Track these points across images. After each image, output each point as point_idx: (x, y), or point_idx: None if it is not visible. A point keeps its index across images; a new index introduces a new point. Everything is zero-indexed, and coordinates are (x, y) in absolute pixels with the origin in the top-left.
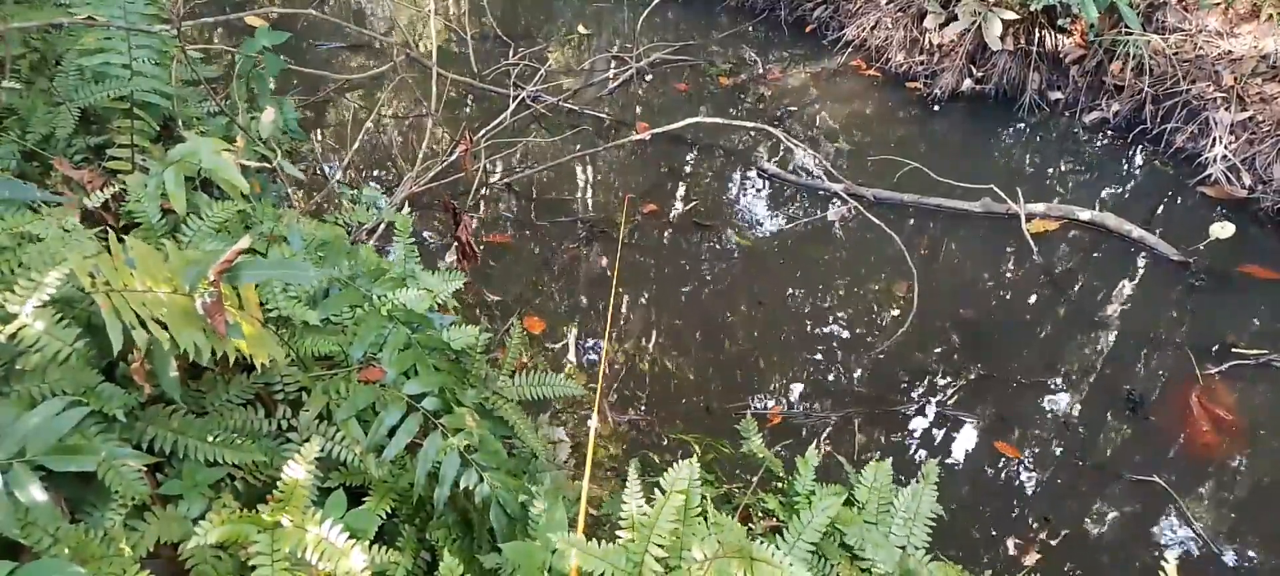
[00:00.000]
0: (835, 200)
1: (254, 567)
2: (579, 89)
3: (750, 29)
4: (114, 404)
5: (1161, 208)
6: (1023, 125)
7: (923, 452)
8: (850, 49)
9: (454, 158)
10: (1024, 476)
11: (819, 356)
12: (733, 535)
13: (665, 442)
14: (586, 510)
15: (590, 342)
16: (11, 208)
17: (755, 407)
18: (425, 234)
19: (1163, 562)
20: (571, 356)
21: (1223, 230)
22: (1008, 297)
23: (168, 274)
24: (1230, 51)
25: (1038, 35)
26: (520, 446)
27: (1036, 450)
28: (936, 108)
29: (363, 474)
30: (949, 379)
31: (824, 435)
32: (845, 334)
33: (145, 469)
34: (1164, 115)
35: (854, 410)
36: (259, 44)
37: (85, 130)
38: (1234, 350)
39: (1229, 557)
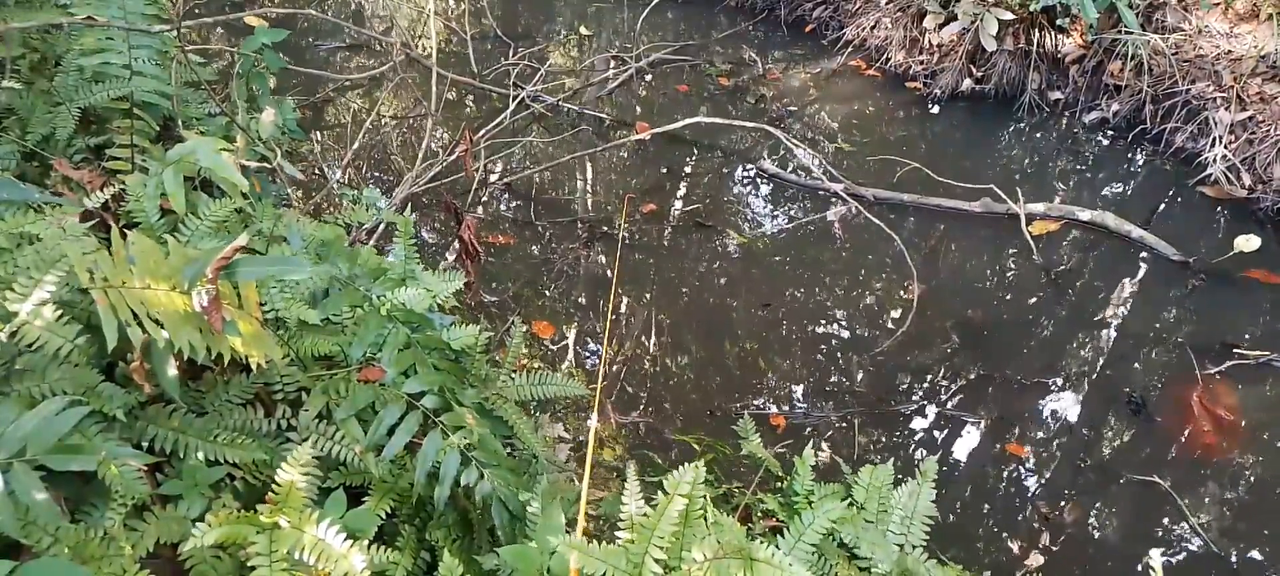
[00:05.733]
0: (835, 200)
1: (253, 568)
2: (579, 89)
3: (750, 29)
4: (114, 403)
5: (1161, 208)
6: (1023, 125)
7: (923, 453)
8: (850, 49)
9: (454, 158)
10: (1024, 476)
11: (819, 357)
12: (732, 535)
13: (666, 442)
14: (586, 510)
15: (590, 343)
16: (11, 208)
17: (755, 408)
18: (425, 234)
19: (1148, 560)
20: (571, 356)
21: (1248, 243)
22: (1008, 298)
23: (167, 271)
24: (1230, 51)
25: (1037, 35)
26: (520, 446)
27: (1037, 450)
28: (936, 108)
29: (363, 473)
30: (949, 379)
31: (825, 435)
32: (845, 334)
33: (145, 468)
34: (1164, 115)
35: (854, 411)
36: (258, 42)
37: (85, 130)
38: (1235, 350)
39: (1230, 558)
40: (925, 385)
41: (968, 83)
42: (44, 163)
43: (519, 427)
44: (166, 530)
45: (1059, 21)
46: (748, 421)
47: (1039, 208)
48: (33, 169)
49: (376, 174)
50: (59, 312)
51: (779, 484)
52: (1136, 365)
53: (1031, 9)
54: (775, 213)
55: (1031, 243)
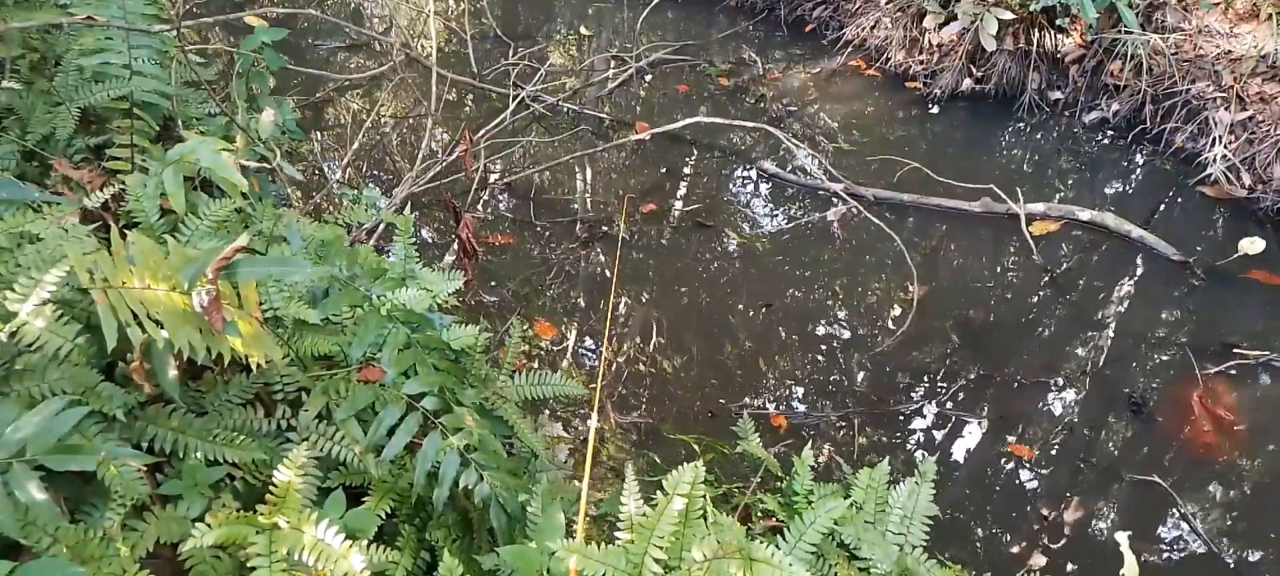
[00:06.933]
0: (835, 200)
1: (253, 568)
2: (579, 89)
3: (750, 29)
4: (114, 403)
5: (1161, 208)
6: (1022, 125)
7: (923, 453)
8: (850, 49)
9: (454, 158)
10: (1024, 477)
11: (819, 357)
12: (732, 535)
13: (666, 442)
14: (586, 510)
15: (590, 343)
16: (11, 207)
17: (755, 408)
18: (425, 234)
19: (1118, 540)
20: (571, 357)
21: (1252, 245)
22: (1008, 297)
23: (167, 271)
24: (1230, 51)
25: (1037, 35)
26: (520, 446)
27: (1037, 451)
28: (936, 108)
29: (362, 473)
30: (949, 379)
31: (825, 435)
32: (845, 334)
33: (145, 468)
34: (1164, 115)
35: (854, 411)
36: (258, 41)
37: (85, 130)
38: (1235, 350)
39: (1229, 558)
40: (925, 385)
41: (968, 83)
42: (44, 163)
43: (519, 428)
44: (166, 530)
45: (1059, 21)
46: (747, 421)
47: (1039, 208)
48: (33, 169)
49: (376, 174)
50: (59, 313)
51: (779, 484)
52: (1136, 365)
53: (1031, 9)
54: (775, 213)
55: (1031, 243)
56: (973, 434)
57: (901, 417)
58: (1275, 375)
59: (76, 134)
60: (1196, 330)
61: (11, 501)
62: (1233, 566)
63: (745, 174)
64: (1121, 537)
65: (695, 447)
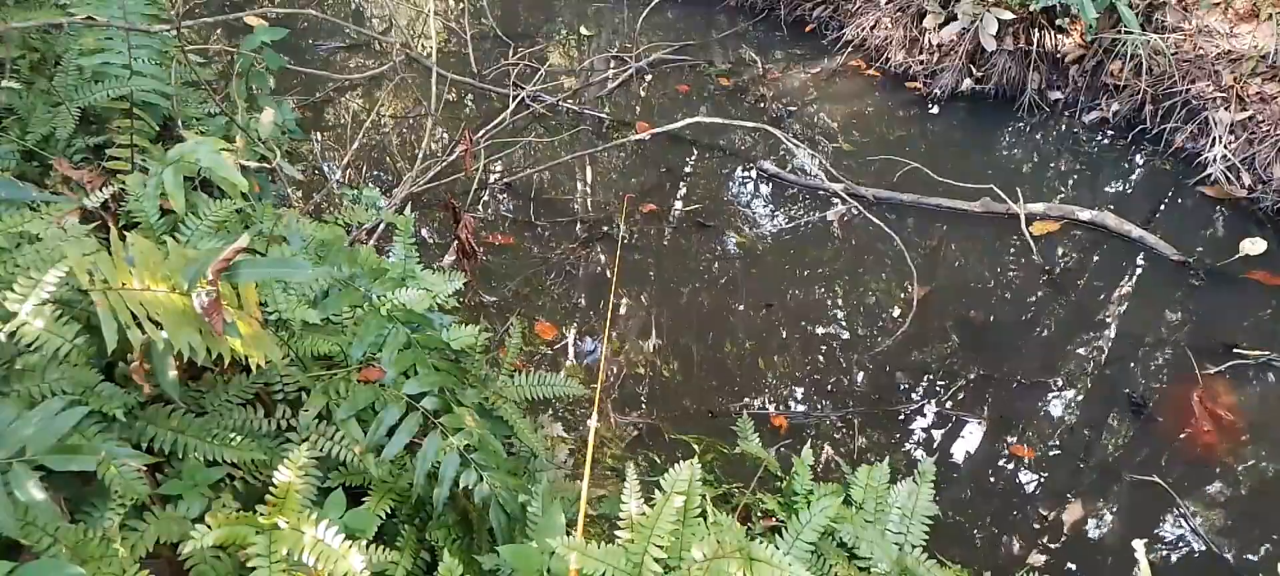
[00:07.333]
0: (835, 200)
1: (253, 569)
2: (579, 89)
3: (750, 29)
4: (114, 403)
5: (1161, 207)
6: (1022, 125)
7: (924, 453)
8: (850, 49)
9: (454, 157)
10: (1024, 476)
11: (819, 357)
12: (732, 534)
13: (666, 442)
14: (586, 510)
15: (590, 343)
16: (11, 208)
17: (756, 408)
18: (425, 234)
19: (1133, 548)
20: (571, 356)
21: (1253, 245)
22: (1008, 297)
23: (166, 272)
24: (1230, 51)
25: (1037, 35)
26: (520, 446)
27: (1037, 451)
28: (936, 108)
29: (362, 473)
30: (949, 379)
31: (826, 435)
32: (845, 334)
33: (145, 468)
34: (1164, 115)
35: (854, 411)
36: (258, 41)
37: (85, 130)
38: (1235, 350)
39: (1230, 558)
40: (925, 385)
41: (968, 82)
42: (44, 162)
43: (519, 427)
44: (166, 530)
45: (1059, 21)
46: (747, 421)
47: (1039, 208)
48: (33, 169)
49: (376, 174)
50: (59, 313)
51: (779, 484)
52: (1136, 365)
53: (1031, 9)
54: (775, 213)
55: (1031, 242)
56: (973, 434)
57: (901, 417)
58: (1275, 375)
59: (76, 134)
60: (1196, 330)
61: (11, 501)
62: (1233, 566)
63: (745, 174)
64: (1137, 545)
65: (695, 447)
